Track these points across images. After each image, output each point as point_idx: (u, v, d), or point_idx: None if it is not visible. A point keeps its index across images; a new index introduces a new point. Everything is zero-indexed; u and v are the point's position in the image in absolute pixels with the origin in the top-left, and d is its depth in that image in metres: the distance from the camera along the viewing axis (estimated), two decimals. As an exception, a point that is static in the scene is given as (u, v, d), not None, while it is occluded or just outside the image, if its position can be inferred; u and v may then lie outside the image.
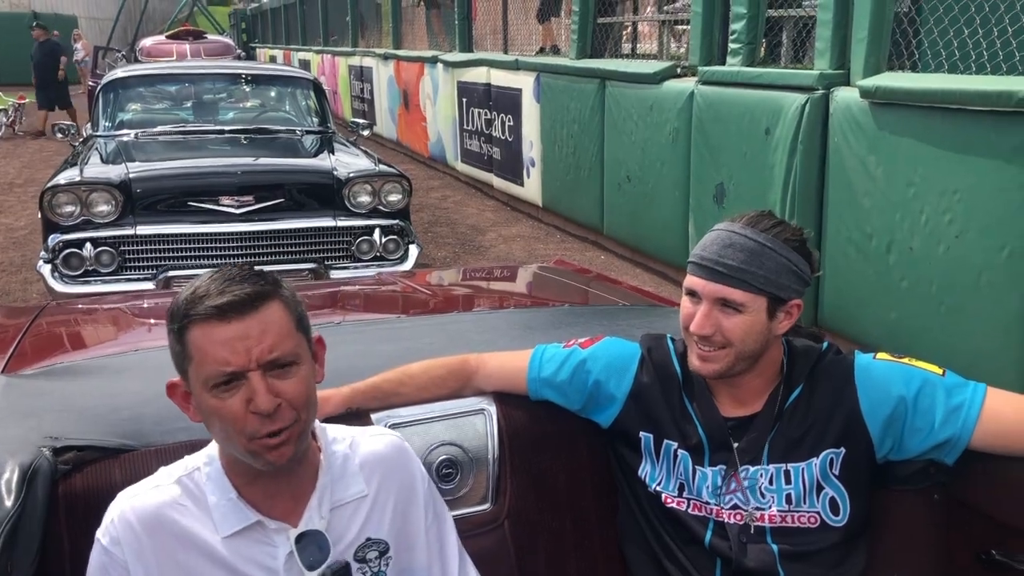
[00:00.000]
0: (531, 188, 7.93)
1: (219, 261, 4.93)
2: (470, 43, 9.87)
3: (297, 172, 5.36)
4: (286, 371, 1.23)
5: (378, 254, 5.26)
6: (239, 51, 13.90)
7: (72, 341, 2.20)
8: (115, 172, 4.97)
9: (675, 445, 1.58)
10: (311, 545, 1.28)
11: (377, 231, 5.23)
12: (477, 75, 8.96)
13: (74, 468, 1.44)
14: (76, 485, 1.43)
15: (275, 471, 1.27)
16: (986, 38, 3.69)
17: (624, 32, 8.41)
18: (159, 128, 6.01)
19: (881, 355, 1.59)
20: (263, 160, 5.42)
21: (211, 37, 13.68)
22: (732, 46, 5.12)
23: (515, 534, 1.61)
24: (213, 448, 1.33)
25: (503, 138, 8.47)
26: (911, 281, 3.88)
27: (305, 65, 18.38)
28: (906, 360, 1.57)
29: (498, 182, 8.83)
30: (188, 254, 4.92)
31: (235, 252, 4.96)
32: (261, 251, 5.02)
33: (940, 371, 1.54)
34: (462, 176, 10.02)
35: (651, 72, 5.77)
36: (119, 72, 6.55)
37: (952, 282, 3.67)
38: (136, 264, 4.88)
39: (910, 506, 1.57)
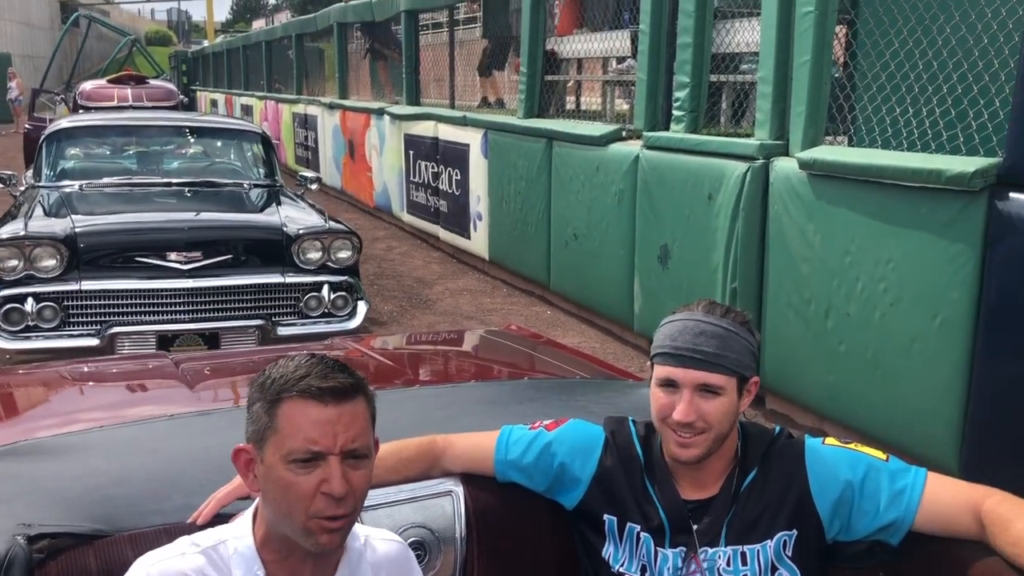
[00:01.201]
0: (478, 241, 8.02)
1: (165, 317, 4.90)
2: (417, 96, 10.00)
3: (246, 228, 5.37)
4: (359, 463, 1.31)
5: (326, 310, 5.27)
6: (181, 96, 13.82)
7: (28, 414, 2.19)
8: (60, 226, 4.92)
9: (638, 528, 1.64)
10: None
11: (326, 287, 5.25)
12: (425, 128, 9.07)
13: (48, 556, 1.44)
14: (51, 573, 1.43)
15: (310, 554, 1.32)
16: (916, 116, 3.90)
17: (567, 89, 8.63)
18: (105, 180, 5.96)
19: (829, 440, 1.69)
20: (211, 215, 5.41)
21: (153, 82, 13.57)
22: (676, 113, 5.30)
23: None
24: (244, 525, 1.37)
25: (450, 191, 8.56)
26: (848, 345, 4.03)
27: (248, 110, 18.35)
28: (852, 445, 1.66)
29: (444, 234, 8.91)
30: (134, 310, 4.87)
31: (182, 308, 4.93)
32: (208, 307, 4.99)
33: (884, 456, 1.64)
34: (407, 227, 10.07)
35: (597, 135, 5.92)
36: (64, 122, 6.50)
37: (887, 347, 3.82)
38: (80, 320, 4.81)
39: (858, 584, 1.65)
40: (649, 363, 1.67)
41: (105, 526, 1.53)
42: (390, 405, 2.15)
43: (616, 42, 7.33)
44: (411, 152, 9.58)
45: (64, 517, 1.52)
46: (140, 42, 30.30)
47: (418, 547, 1.66)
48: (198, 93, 25.22)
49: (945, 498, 1.57)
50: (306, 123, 14.34)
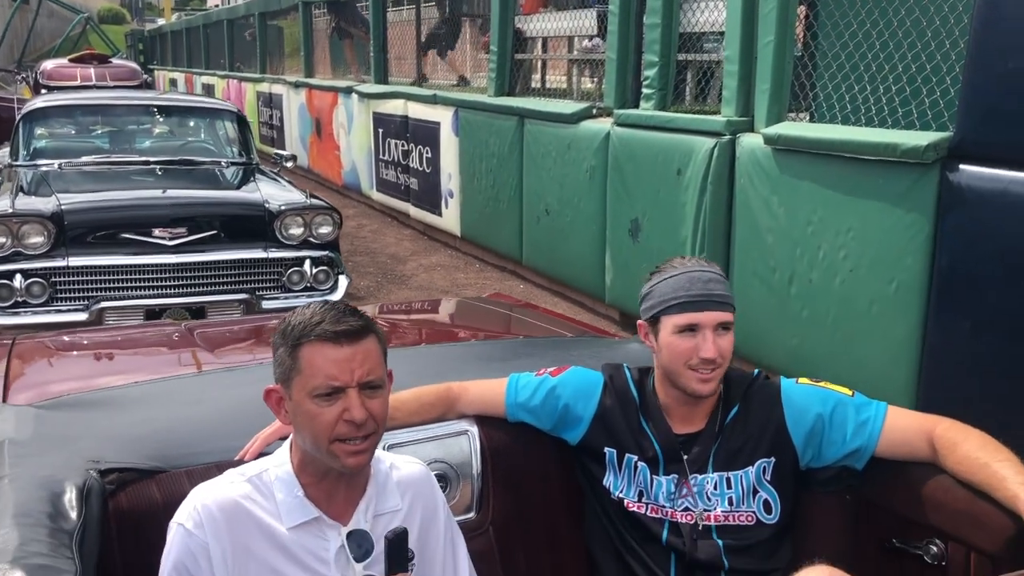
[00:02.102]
0: (449, 218, 8.18)
1: (152, 292, 5.02)
2: (386, 74, 10.09)
3: (229, 204, 5.49)
4: (375, 392, 1.49)
5: (309, 284, 5.42)
6: (145, 76, 13.76)
7: (71, 372, 2.34)
8: (46, 204, 5.01)
9: (635, 458, 1.85)
10: (357, 542, 1.51)
11: (308, 262, 5.40)
12: (394, 107, 9.19)
13: (117, 488, 1.62)
14: (122, 502, 1.61)
15: (342, 475, 1.50)
16: (873, 94, 4.14)
17: (533, 68, 8.79)
18: (84, 159, 6.04)
19: (802, 380, 1.91)
20: (195, 192, 5.53)
21: (116, 61, 13.50)
22: (645, 91, 5.51)
23: (498, 538, 1.86)
24: (283, 455, 1.56)
25: (421, 169, 8.70)
26: (811, 311, 4.29)
27: (209, 90, 18.22)
28: (822, 384, 1.89)
29: (415, 211, 9.05)
30: (121, 285, 4.98)
31: (168, 283, 5.06)
32: (194, 282, 5.12)
33: (850, 392, 1.86)
34: (377, 205, 10.20)
35: (569, 112, 6.11)
36: (40, 102, 6.54)
37: (847, 311, 4.08)
38: (68, 295, 4.92)
39: (827, 505, 1.88)
40: (641, 323, 1.87)
41: (162, 464, 1.71)
42: (403, 361, 2.34)
43: (582, 21, 7.51)
44: (380, 130, 9.70)
45: (125, 457, 1.69)
46: (93, 20, 29.81)
47: (440, 479, 1.85)
48: (156, 72, 24.92)
49: (902, 426, 1.80)
50: (271, 102, 14.34)
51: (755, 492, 1.82)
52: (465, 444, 1.91)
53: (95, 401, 1.93)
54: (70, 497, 1.51)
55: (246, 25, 16.15)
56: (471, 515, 1.87)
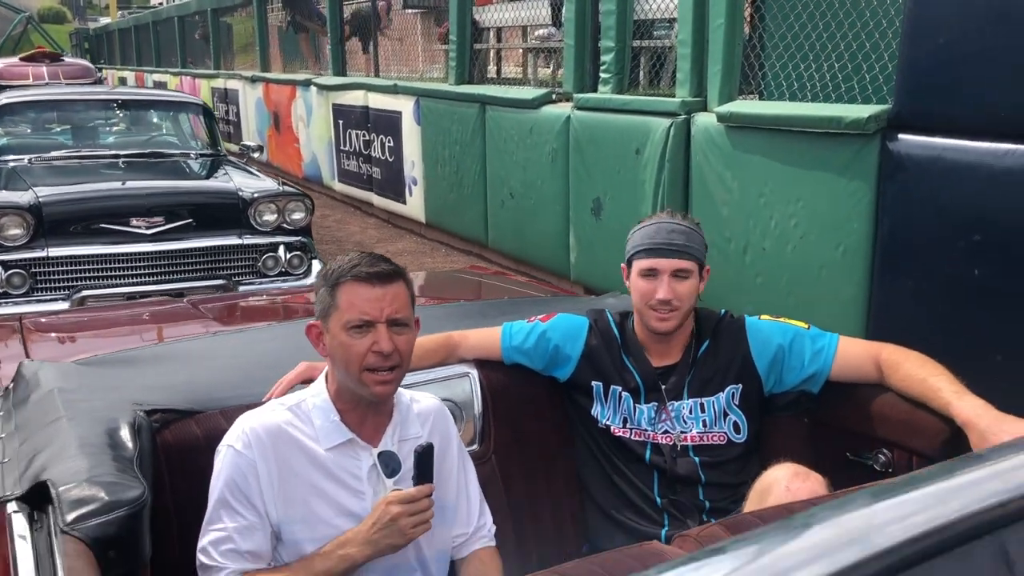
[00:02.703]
0: (414, 206, 8.37)
1: (131, 279, 5.15)
2: (344, 67, 10.22)
3: (203, 193, 5.63)
4: (401, 329, 1.70)
5: (283, 269, 5.58)
6: (98, 74, 13.69)
7: (102, 338, 2.52)
8: (23, 196, 5.11)
9: (619, 389, 2.09)
10: (386, 461, 1.72)
11: (282, 248, 5.56)
12: (354, 98, 9.33)
13: (162, 426, 1.82)
14: (167, 438, 1.81)
15: (370, 403, 1.72)
16: (818, 71, 4.42)
17: (488, 58, 9.00)
18: (54, 154, 6.13)
19: (764, 316, 2.16)
20: (170, 182, 5.66)
21: (68, 60, 13.41)
22: (602, 75, 5.75)
23: (500, 466, 2.08)
24: (319, 385, 1.76)
25: (383, 158, 8.87)
26: (765, 277, 4.57)
27: (161, 87, 18.12)
28: (782, 319, 2.14)
29: (378, 200, 9.22)
30: (100, 274, 5.10)
31: (146, 271, 5.19)
32: (171, 269, 5.26)
33: (807, 326, 2.12)
34: (339, 195, 10.33)
35: (530, 98, 6.34)
36: (4, 99, 6.59)
37: (799, 276, 4.37)
38: (48, 285, 5.03)
39: (788, 427, 2.14)
40: (623, 266, 2.11)
41: (199, 407, 1.90)
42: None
43: (536, 11, 7.75)
44: (340, 122, 9.83)
45: (166, 401, 1.89)
46: (34, 19, 29.32)
47: (447, 415, 2.07)
48: (104, 71, 24.62)
49: (853, 353, 2.06)
50: (226, 97, 14.36)
51: (726, 415, 2.07)
52: (467, 385, 2.13)
53: (124, 359, 2.12)
54: (125, 431, 1.70)
55: (197, 23, 16.12)
56: (475, 447, 2.09)
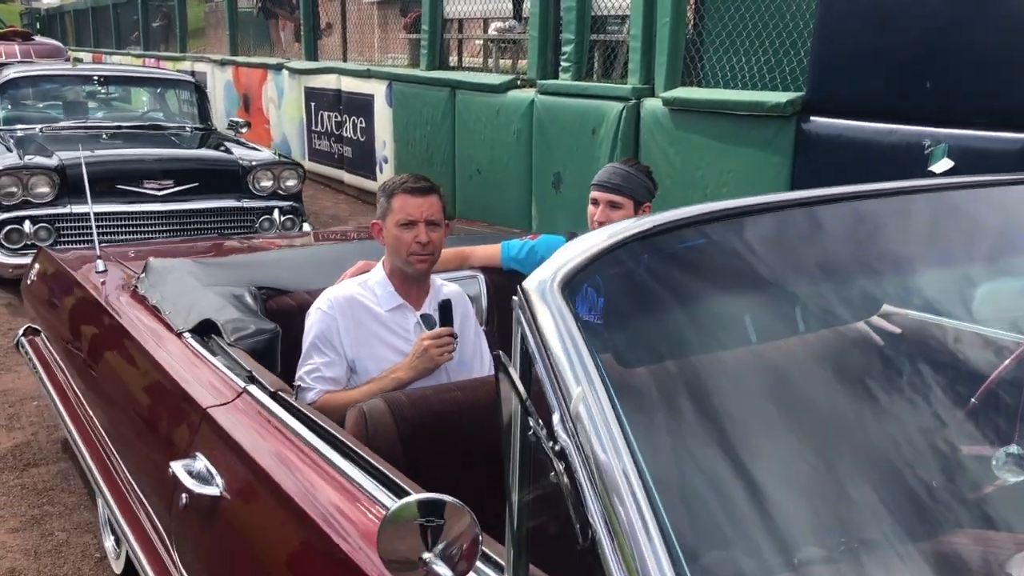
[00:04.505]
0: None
1: (145, 235, 5.79)
2: (316, 51, 10.84)
3: (208, 160, 6.28)
4: (435, 227, 2.43)
5: (277, 231, 6.25)
6: (69, 53, 14.07)
7: (207, 253, 3.22)
8: (50, 159, 5.71)
9: (586, 285, 2.85)
10: (425, 320, 2.46)
11: (276, 211, 6.24)
12: (327, 81, 9.97)
13: (268, 298, 2.54)
14: (271, 306, 2.53)
15: (414, 278, 2.45)
16: (748, 62, 5.24)
17: (451, 47, 9.69)
18: (62, 124, 6.71)
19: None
20: (179, 151, 6.29)
21: (39, 39, 13.78)
22: (563, 64, 6.52)
23: (502, 341, 2.82)
24: (379, 270, 2.49)
25: (355, 138, 9.53)
26: (701, 238, 5.37)
27: (122, 68, 18.41)
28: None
29: (349, 178, 9.88)
30: (116, 230, 5.73)
31: (158, 228, 5.83)
32: (180, 228, 5.90)
33: None
34: (310, 173, 10.89)
35: (497, 83, 7.08)
36: (12, 73, 7.13)
37: (729, 236, 5.18)
38: (70, 239, 5.64)
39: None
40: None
41: (290, 287, 2.63)
42: (368, 253, 3.28)
43: (498, 4, 8.47)
44: (312, 104, 10.45)
45: (268, 282, 2.61)
46: (-17, -2, 29.12)
47: (463, 304, 2.81)
48: (63, 51, 24.66)
49: None
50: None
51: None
52: (476, 284, 2.89)
53: (227, 262, 2.84)
54: (248, 298, 2.42)
55: (159, 6, 16.52)
56: (483, 327, 2.83)
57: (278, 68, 11.27)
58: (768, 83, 5.06)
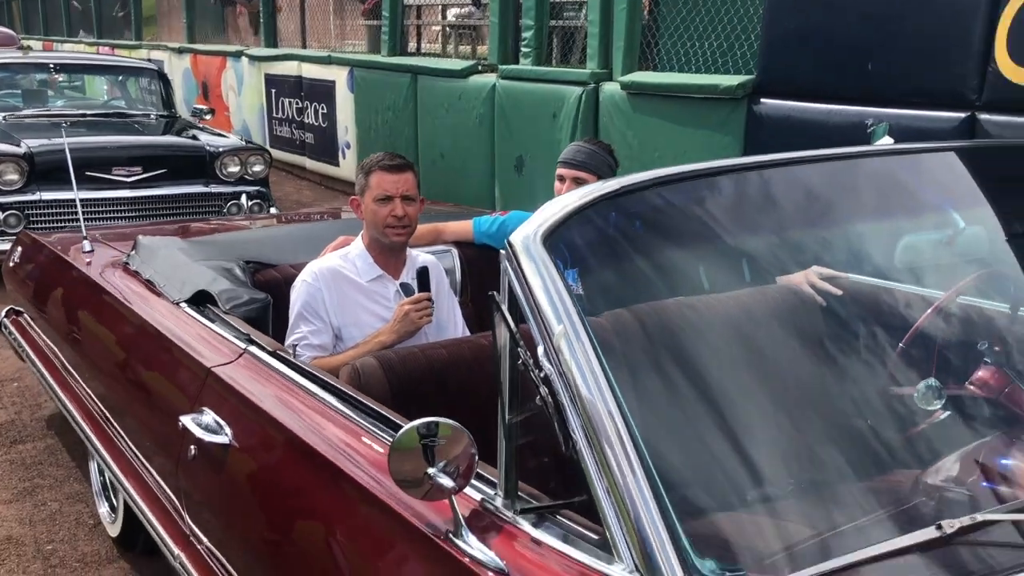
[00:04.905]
0: (347, 168, 9.15)
1: (115, 220, 5.87)
2: (275, 38, 10.88)
3: (176, 147, 6.37)
4: (410, 202, 2.60)
5: (245, 215, 6.36)
6: (20, 41, 13.91)
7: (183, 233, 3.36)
8: (17, 147, 5.76)
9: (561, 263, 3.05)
10: (404, 288, 2.64)
11: (244, 196, 6.34)
12: (287, 68, 10.03)
13: (255, 272, 2.70)
14: (259, 278, 2.69)
15: (392, 249, 2.62)
16: (701, 47, 5.46)
17: (410, 33, 9.81)
18: (24, 112, 6.73)
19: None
20: (147, 138, 6.37)
21: (-10, 27, 13.60)
22: (524, 50, 6.69)
23: (475, 310, 3.01)
24: (358, 243, 2.66)
25: (316, 124, 9.62)
26: (659, 216, 5.60)
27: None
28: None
29: (311, 164, 9.96)
30: (87, 216, 5.79)
31: (127, 214, 5.91)
32: (149, 213, 5.99)
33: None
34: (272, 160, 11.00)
35: (459, 69, 7.23)
36: (-27, 60, 7.15)
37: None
38: (40, 226, 5.70)
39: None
40: None
41: (275, 262, 2.79)
42: (340, 230, 3.45)
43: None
44: (273, 91, 10.51)
45: (255, 257, 2.77)
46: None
47: (439, 276, 2.99)
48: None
49: None
50: (150, 67, 14.71)
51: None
52: (451, 258, 3.06)
53: (214, 239, 2.98)
54: (238, 271, 2.58)
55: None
56: (458, 297, 3.02)
57: (237, 55, 11.29)
58: (721, 67, 5.29)
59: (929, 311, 1.86)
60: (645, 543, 1.12)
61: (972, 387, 1.86)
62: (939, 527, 1.13)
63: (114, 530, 2.96)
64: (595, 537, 1.22)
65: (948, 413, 1.71)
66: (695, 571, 1.09)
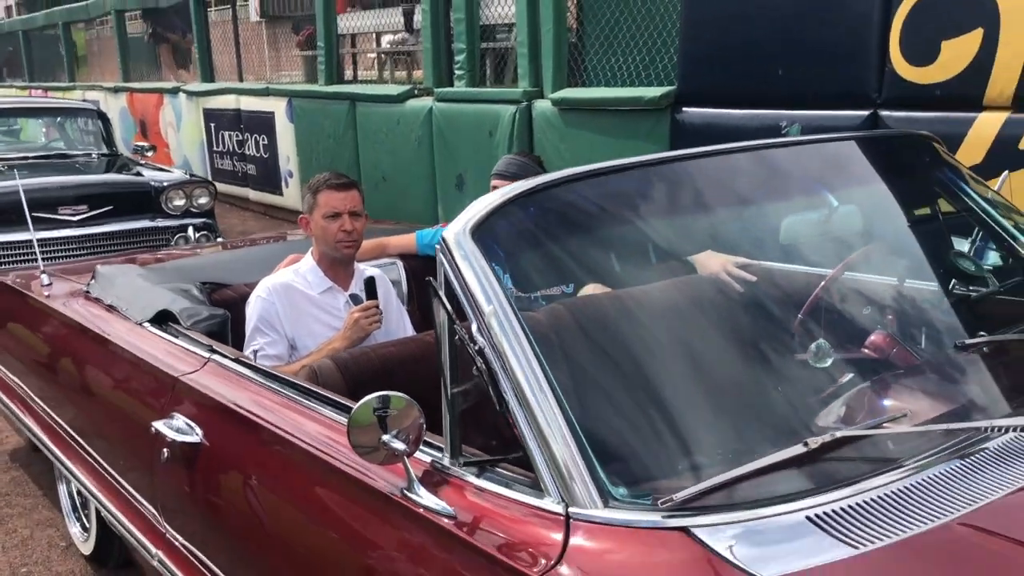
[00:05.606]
0: (291, 196, 9.30)
1: (64, 259, 5.95)
2: (212, 73, 10.99)
3: (121, 184, 6.48)
4: (357, 217, 2.79)
5: (192, 247, 6.48)
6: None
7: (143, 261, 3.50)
8: (-39, 191, 5.82)
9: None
10: (354, 299, 2.82)
11: (191, 228, 6.47)
12: (225, 102, 10.15)
13: (212, 292, 2.87)
14: (216, 297, 2.86)
15: (341, 262, 2.81)
16: (625, 62, 5.75)
17: (346, 61, 10.01)
18: (-33, 156, 6.78)
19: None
20: (91, 177, 6.47)
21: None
22: (457, 72, 6.93)
23: (422, 319, 3.21)
24: (309, 258, 2.84)
25: (258, 155, 9.75)
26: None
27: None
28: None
29: (254, 194, 10.08)
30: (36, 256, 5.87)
31: (76, 252, 6.00)
32: (97, 250, 6.08)
33: None
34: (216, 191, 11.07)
35: (395, 94, 7.45)
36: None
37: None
38: (-11, 267, 5.77)
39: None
40: None
41: (230, 282, 2.96)
42: (287, 250, 3.63)
43: (389, 18, 8.85)
44: (212, 125, 10.61)
45: (210, 279, 2.93)
46: None
47: (386, 287, 3.19)
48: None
49: None
50: (86, 108, 14.68)
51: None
52: (396, 270, 3.26)
53: (170, 267, 3.14)
54: (196, 291, 2.75)
55: (46, 36, 16.31)
56: (406, 306, 3.21)
57: (174, 92, 11.37)
58: (644, 79, 5.58)
59: (820, 286, 2.11)
60: (568, 478, 1.33)
61: (866, 350, 2.11)
62: (805, 444, 1.36)
63: (87, 548, 3.09)
64: (528, 480, 1.43)
65: (850, 375, 1.95)
66: (609, 496, 1.31)
